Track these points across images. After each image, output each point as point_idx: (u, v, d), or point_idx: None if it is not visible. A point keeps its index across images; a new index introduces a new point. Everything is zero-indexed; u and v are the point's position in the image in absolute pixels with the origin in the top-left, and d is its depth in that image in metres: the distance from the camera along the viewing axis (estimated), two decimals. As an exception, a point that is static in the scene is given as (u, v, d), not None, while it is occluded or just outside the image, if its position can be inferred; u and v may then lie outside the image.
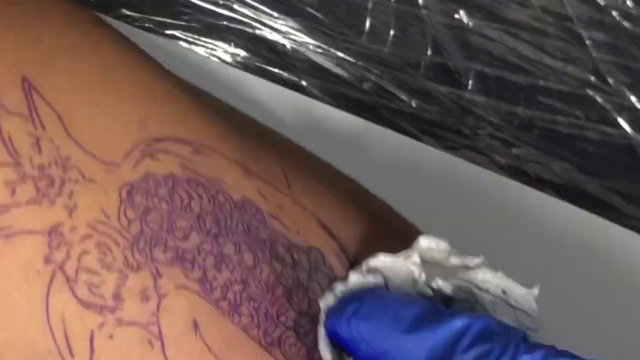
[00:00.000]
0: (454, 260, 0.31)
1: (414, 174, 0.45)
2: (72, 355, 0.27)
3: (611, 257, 0.45)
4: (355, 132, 0.45)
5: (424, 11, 0.45)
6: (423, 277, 0.30)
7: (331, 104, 0.45)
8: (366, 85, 0.45)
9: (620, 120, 0.46)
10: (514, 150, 0.46)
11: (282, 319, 0.30)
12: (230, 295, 0.29)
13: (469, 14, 0.45)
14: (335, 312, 0.29)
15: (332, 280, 0.31)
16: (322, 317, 0.29)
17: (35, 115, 0.28)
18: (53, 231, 0.27)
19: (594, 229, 0.46)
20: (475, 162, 0.46)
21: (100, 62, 0.30)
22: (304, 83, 0.45)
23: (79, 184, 0.28)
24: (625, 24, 0.45)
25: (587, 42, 0.45)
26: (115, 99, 0.29)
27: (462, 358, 0.26)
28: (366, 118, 0.45)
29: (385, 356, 0.27)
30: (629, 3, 0.45)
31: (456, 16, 0.45)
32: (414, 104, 0.46)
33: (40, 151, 0.28)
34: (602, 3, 0.45)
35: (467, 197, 0.46)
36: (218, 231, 0.30)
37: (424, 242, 0.31)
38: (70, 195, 0.28)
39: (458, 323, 0.27)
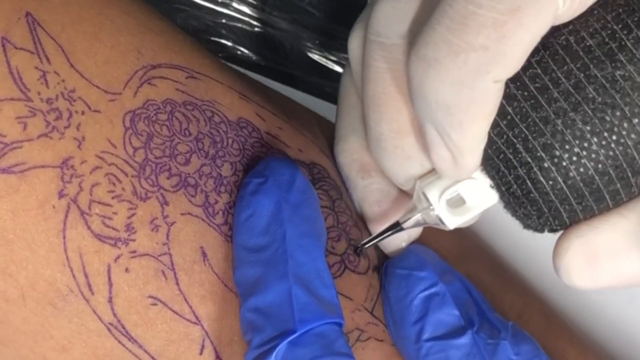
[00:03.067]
0: None
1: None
2: (92, 292, 0.28)
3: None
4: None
5: (421, 8, 0.45)
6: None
7: (330, 101, 0.45)
8: (364, 83, 0.46)
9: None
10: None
11: None
12: (230, 219, 0.30)
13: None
14: None
15: (338, 190, 0.32)
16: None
17: (40, 49, 0.28)
18: (65, 164, 0.28)
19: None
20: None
21: None
22: (302, 80, 0.45)
23: (85, 116, 0.28)
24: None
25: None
26: (111, 31, 0.29)
27: None
28: (365, 115, 0.45)
29: None
30: None
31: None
32: (412, 101, 0.46)
33: (47, 85, 0.28)
34: None
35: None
36: (215, 152, 0.30)
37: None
38: (78, 127, 0.28)
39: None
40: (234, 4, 0.44)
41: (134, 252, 0.28)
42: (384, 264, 0.32)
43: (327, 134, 0.35)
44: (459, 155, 0.27)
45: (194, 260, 0.29)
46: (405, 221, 0.30)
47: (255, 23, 0.45)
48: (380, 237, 0.31)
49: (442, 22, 0.25)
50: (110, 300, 0.28)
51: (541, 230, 0.28)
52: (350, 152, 0.32)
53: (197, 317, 0.28)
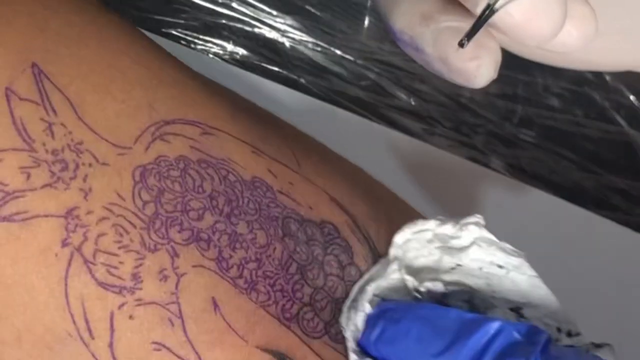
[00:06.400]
0: (438, 246, 0.31)
1: (413, 171, 0.45)
2: (92, 337, 0.27)
3: (610, 255, 0.45)
4: (354, 130, 0.45)
5: (422, 9, 0.45)
6: (411, 284, 0.30)
7: (330, 102, 0.45)
8: (365, 83, 0.45)
9: (618, 118, 0.46)
10: (513, 148, 0.46)
11: (298, 295, 0.30)
12: (246, 273, 0.29)
13: (468, 12, 0.45)
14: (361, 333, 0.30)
15: (349, 253, 0.32)
16: (350, 345, 0.30)
17: (46, 100, 0.28)
18: (69, 214, 0.27)
19: (592, 226, 0.46)
20: (473, 160, 0.46)
21: (106, 48, 0.30)
22: (302, 81, 0.45)
23: (92, 168, 0.28)
24: (623, 21, 0.45)
25: (585, 40, 0.45)
26: (123, 84, 0.29)
27: None
28: (365, 116, 0.45)
29: None
30: (626, 1, 0.45)
31: (455, 14, 0.45)
32: (412, 102, 0.46)
33: (53, 136, 0.28)
34: (600, 1, 0.45)
35: (464, 194, 0.46)
36: (230, 211, 0.30)
37: (399, 238, 0.31)
38: (85, 178, 0.28)
39: (477, 344, 0.27)
40: (234, 4, 0.44)
41: (140, 300, 0.28)
42: None
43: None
44: None
45: (204, 309, 0.28)
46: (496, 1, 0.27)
47: (255, 23, 0.45)
48: (477, 26, 0.27)
49: None
50: (111, 344, 0.27)
51: None
52: (406, 11, 0.30)
53: None
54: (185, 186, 0.29)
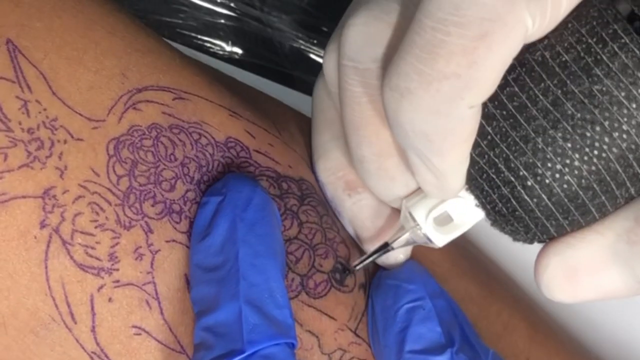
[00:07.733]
0: None
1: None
2: (74, 321, 0.27)
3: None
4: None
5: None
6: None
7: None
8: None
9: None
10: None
11: None
12: None
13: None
14: None
15: (325, 206, 0.32)
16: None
17: (21, 77, 0.28)
18: (46, 194, 0.27)
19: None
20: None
21: (80, 20, 0.30)
22: (302, 81, 0.45)
23: (67, 144, 0.28)
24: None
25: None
26: (96, 54, 0.29)
27: None
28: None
29: None
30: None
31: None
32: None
33: (28, 114, 0.28)
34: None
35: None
36: (200, 177, 0.30)
37: None
38: (60, 156, 0.28)
39: None
40: (233, 4, 0.44)
41: (118, 281, 0.28)
42: (377, 274, 0.32)
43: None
44: (442, 178, 0.27)
45: (178, 288, 0.29)
46: (394, 241, 0.30)
47: (254, 23, 0.45)
48: (370, 258, 0.30)
49: (412, 51, 0.24)
50: (93, 329, 0.28)
51: (531, 242, 0.28)
52: (333, 170, 0.32)
53: (182, 347, 0.28)
54: (157, 155, 0.29)
